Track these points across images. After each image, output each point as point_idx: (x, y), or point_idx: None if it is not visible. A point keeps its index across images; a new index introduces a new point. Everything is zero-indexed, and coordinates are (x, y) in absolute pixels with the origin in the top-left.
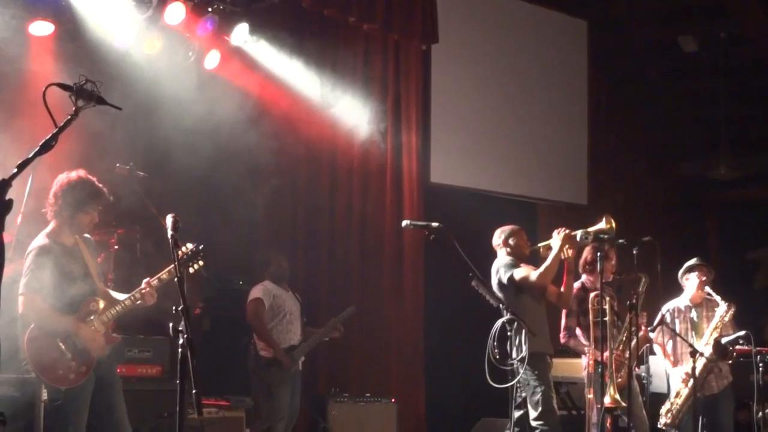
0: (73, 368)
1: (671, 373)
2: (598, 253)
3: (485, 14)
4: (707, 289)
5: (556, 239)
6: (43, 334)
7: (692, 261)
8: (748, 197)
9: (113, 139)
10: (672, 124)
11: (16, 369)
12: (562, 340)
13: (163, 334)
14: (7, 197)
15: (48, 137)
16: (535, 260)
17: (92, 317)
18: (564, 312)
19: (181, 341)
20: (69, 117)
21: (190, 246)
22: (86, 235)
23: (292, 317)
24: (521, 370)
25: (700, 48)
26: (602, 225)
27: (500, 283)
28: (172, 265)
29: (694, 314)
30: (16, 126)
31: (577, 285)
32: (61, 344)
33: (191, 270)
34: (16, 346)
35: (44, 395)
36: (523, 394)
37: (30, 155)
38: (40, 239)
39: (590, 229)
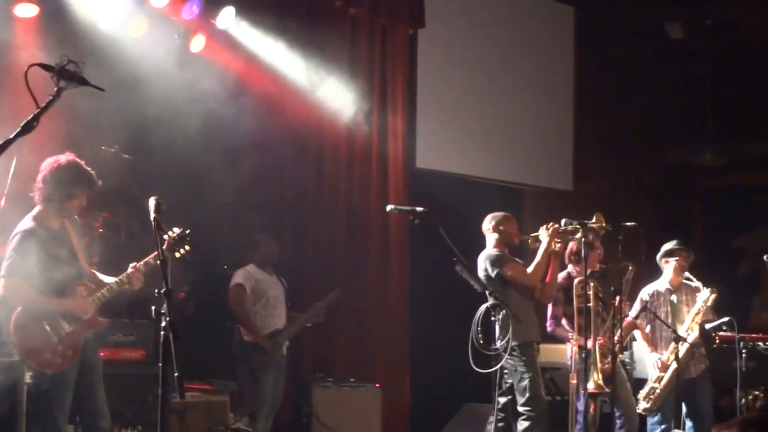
0: (60, 352)
1: (648, 358)
2: (583, 239)
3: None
4: (686, 273)
5: (544, 234)
6: (30, 317)
7: (671, 244)
8: (733, 183)
9: (97, 121)
10: (658, 110)
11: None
12: (549, 329)
13: (146, 318)
14: None
15: (29, 118)
16: (521, 250)
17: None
18: None
19: (163, 324)
20: (51, 98)
21: (176, 231)
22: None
23: (275, 302)
24: (505, 356)
25: (687, 35)
26: (593, 222)
27: (488, 276)
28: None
29: (674, 298)
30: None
31: (563, 275)
32: (47, 328)
33: (177, 255)
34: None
35: (28, 378)
36: (510, 381)
37: (11, 136)
38: (26, 222)
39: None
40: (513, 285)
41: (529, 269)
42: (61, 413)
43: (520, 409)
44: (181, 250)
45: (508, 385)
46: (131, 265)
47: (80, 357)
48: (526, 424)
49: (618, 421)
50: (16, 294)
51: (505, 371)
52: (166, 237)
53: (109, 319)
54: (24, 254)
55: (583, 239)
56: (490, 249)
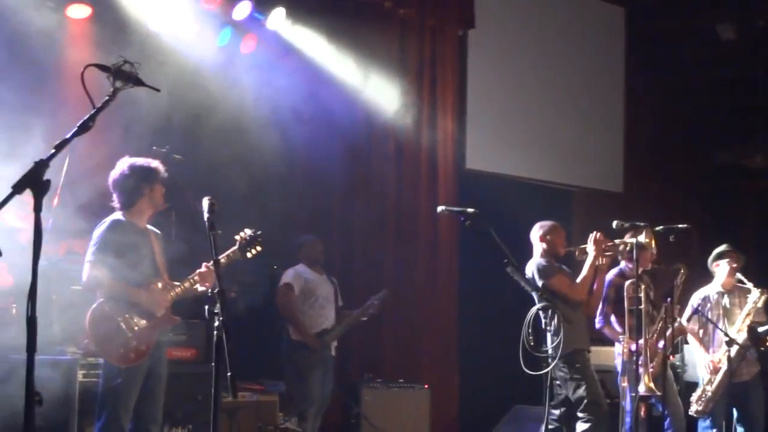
0: (133, 347)
1: (700, 361)
2: (634, 241)
3: (523, 0)
4: (738, 275)
5: (591, 247)
6: (104, 313)
7: (722, 247)
8: None
9: (149, 121)
10: (708, 111)
11: (51, 350)
12: (597, 326)
13: (197, 318)
14: (45, 178)
15: (86, 118)
16: (569, 259)
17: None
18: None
19: (216, 324)
20: (107, 98)
21: (248, 232)
22: (155, 229)
23: (324, 301)
24: (556, 359)
25: (738, 36)
26: (641, 238)
27: (535, 287)
28: (231, 250)
29: (726, 301)
30: (54, 107)
31: (615, 272)
32: (121, 323)
33: (249, 255)
34: (52, 328)
35: (80, 377)
36: (563, 392)
37: (67, 136)
38: (116, 214)
39: (628, 239)
40: (560, 297)
41: (576, 283)
42: (125, 413)
43: (579, 414)
44: (253, 251)
45: (561, 397)
46: (204, 263)
47: (152, 356)
48: (585, 426)
49: (665, 422)
50: (98, 282)
51: (557, 383)
52: (237, 237)
53: (179, 318)
54: (108, 242)
55: (634, 241)
56: (537, 258)
